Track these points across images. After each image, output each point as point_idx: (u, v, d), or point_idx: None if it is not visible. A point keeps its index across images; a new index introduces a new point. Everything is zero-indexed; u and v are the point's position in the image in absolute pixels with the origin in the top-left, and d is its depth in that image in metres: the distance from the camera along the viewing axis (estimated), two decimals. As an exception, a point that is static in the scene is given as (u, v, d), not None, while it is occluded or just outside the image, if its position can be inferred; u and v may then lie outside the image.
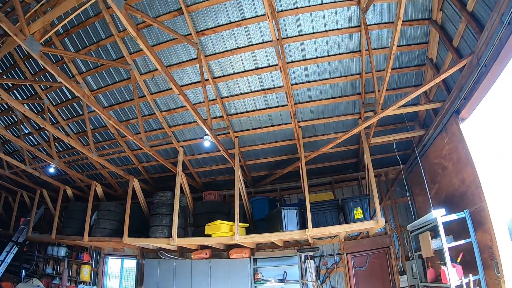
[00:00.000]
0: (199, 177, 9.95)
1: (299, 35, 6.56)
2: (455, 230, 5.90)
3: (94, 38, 6.96)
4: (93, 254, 10.16)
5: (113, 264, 10.28)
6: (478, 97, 5.27)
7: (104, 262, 10.17)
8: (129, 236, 8.28)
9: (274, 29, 5.22)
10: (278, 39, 6.00)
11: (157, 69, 7.30)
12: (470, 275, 5.15)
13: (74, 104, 8.38)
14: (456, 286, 5.15)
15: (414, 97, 6.31)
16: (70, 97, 8.25)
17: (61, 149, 9.65)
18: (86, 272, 9.63)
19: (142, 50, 6.99)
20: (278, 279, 8.22)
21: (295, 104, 7.59)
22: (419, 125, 7.82)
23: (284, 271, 8.28)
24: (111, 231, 8.78)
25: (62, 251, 9.78)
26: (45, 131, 9.20)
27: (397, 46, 6.57)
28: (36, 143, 9.65)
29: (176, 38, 6.49)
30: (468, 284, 5.08)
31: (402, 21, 6.18)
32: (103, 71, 7.51)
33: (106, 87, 7.81)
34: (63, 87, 8.00)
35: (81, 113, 8.53)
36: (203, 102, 7.46)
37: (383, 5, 6.06)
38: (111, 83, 7.77)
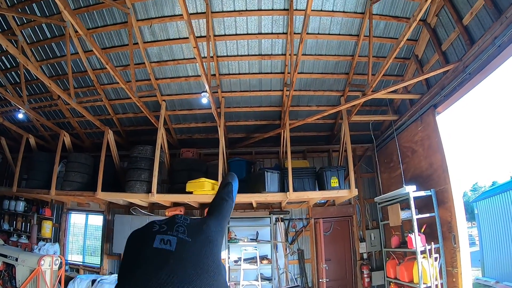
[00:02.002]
0: (176, 133, 9.84)
1: (308, 10, 6.79)
2: (419, 205, 6.89)
3: (91, -28, 6.36)
4: (55, 208, 9.52)
5: (76, 220, 9.79)
6: (457, 97, 6.19)
7: (67, 217, 9.63)
8: (102, 190, 7.99)
9: None
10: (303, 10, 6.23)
11: (156, 17, 7.00)
12: (432, 243, 6.18)
13: (53, 44, 7.59)
14: (420, 251, 6.16)
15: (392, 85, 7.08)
16: (49, 36, 7.44)
17: (27, 94, 8.70)
18: (47, 228, 8.99)
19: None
20: (251, 239, 8.74)
21: (288, 73, 7.90)
22: (392, 110, 8.70)
23: (257, 231, 8.81)
24: (81, 185, 8.31)
25: (21, 206, 8.97)
26: (12, 72, 8.21)
27: (390, 38, 7.29)
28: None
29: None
30: (430, 250, 6.10)
31: (401, 18, 6.88)
32: (94, 11, 6.92)
33: (94, 29, 7.21)
34: (43, 24, 7.18)
35: (58, 54, 7.79)
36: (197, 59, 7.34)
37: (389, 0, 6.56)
38: (101, 26, 7.20)
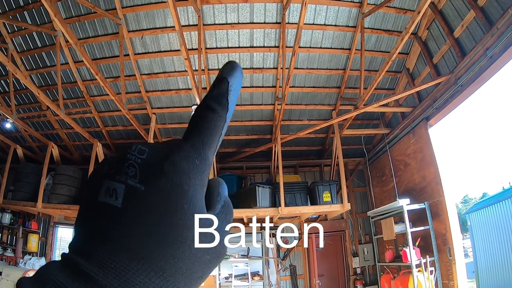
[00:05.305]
0: (166, 148, 9.69)
1: (300, 23, 6.83)
2: (412, 218, 6.80)
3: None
4: (42, 222, 9.24)
5: (64, 234, 9.50)
6: (449, 109, 6.20)
7: (54, 231, 9.34)
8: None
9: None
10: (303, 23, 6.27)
11: (148, 29, 6.97)
12: (427, 256, 6.06)
13: (43, 53, 7.51)
14: (415, 265, 6.04)
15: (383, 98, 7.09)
16: (39, 45, 7.37)
17: (16, 103, 8.55)
18: (34, 242, 8.67)
19: (136, 5, 6.63)
20: (242, 255, 8.53)
21: (279, 87, 7.88)
22: (384, 123, 8.70)
23: (248, 247, 8.59)
24: (68, 198, 8.11)
25: (7, 218, 8.67)
26: (1, 81, 8.09)
27: (381, 51, 7.34)
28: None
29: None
30: (425, 263, 5.98)
31: (392, 31, 6.93)
32: (86, 21, 6.88)
33: (85, 39, 7.16)
34: (34, 33, 7.11)
35: (48, 64, 7.70)
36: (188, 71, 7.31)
37: (380, 13, 6.63)
38: (92, 36, 7.16)
